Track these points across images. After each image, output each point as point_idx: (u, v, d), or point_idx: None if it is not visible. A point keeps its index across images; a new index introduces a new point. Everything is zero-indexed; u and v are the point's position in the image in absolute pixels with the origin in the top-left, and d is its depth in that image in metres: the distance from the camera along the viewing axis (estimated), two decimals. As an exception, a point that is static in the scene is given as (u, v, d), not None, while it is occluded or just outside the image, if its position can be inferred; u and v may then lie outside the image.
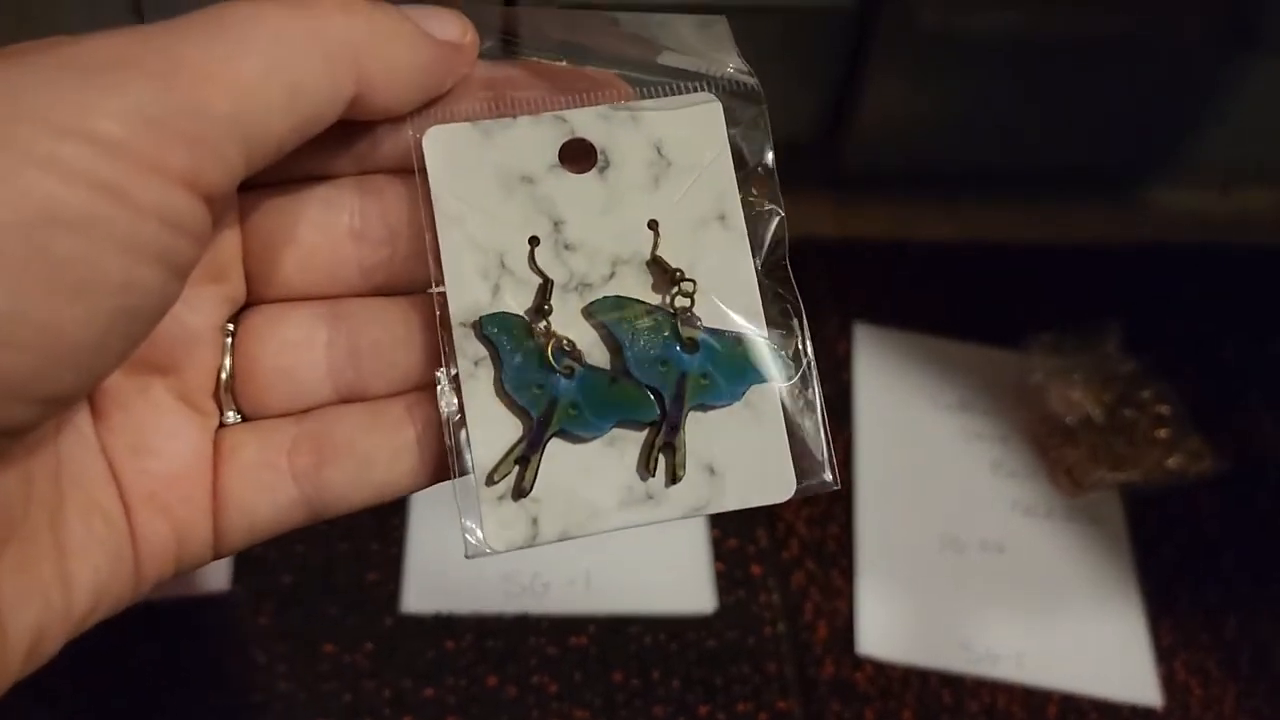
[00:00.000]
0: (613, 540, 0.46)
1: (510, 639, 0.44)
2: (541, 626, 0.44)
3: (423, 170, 0.21)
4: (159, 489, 0.20)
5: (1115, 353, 0.52)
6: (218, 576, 0.44)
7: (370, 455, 0.21)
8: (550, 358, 0.21)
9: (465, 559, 0.21)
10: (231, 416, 0.22)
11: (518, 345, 0.21)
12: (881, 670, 0.44)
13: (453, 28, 0.21)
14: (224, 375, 0.22)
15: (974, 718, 0.44)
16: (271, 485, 0.21)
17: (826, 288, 0.54)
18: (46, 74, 0.16)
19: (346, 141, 0.21)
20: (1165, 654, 0.46)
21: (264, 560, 0.45)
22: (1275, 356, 0.55)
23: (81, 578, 0.19)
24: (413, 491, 0.22)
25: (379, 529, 0.46)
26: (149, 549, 0.20)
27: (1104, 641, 0.46)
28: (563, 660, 0.43)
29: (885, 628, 0.46)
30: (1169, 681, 0.45)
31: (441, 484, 0.22)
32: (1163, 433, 0.50)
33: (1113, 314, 0.53)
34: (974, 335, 0.54)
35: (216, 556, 0.21)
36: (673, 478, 0.21)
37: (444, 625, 0.44)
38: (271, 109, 0.18)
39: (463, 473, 0.21)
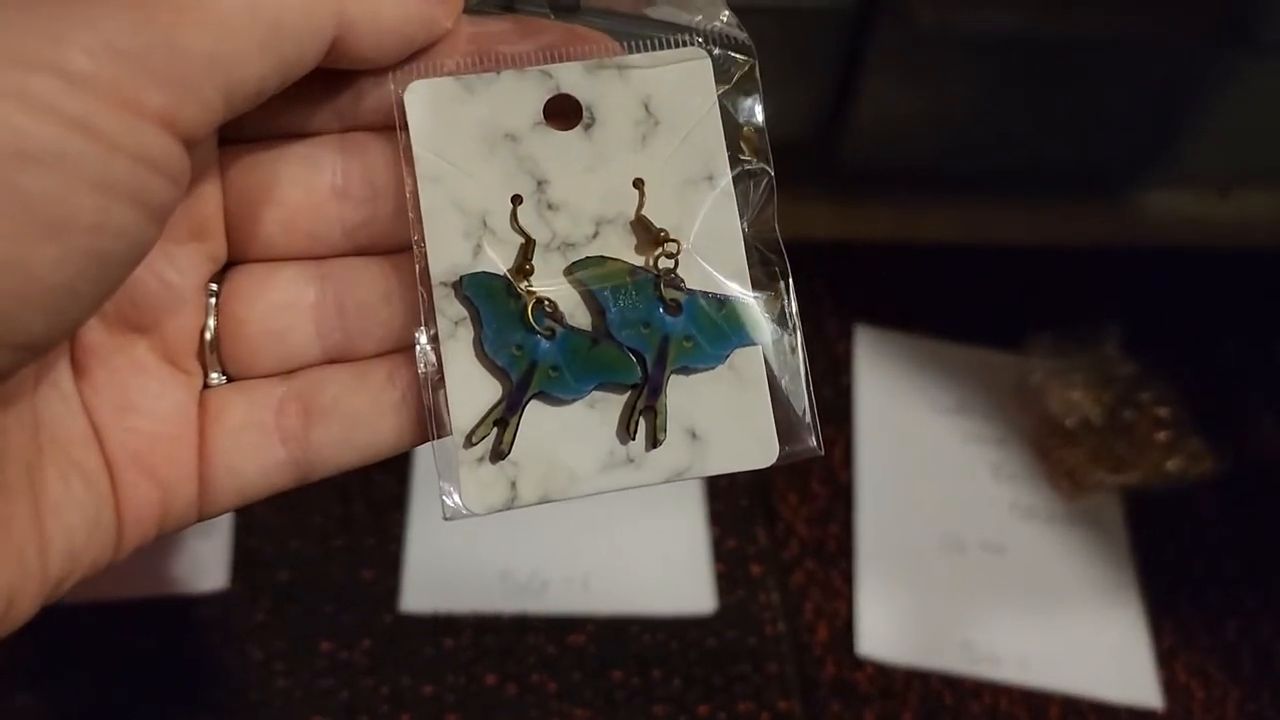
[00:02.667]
0: (612, 539, 0.46)
1: (509, 637, 0.43)
2: (541, 625, 0.44)
3: (404, 126, 0.21)
4: (144, 449, 0.20)
5: (1115, 355, 0.52)
6: (215, 574, 0.44)
7: (356, 416, 0.21)
8: (531, 318, 0.21)
9: (444, 520, 0.21)
10: (216, 378, 0.22)
11: (498, 306, 0.21)
12: (882, 671, 0.44)
13: None
14: (208, 335, 0.21)
15: (975, 719, 0.44)
16: (259, 446, 0.21)
17: (826, 289, 0.54)
18: (16, 6, 0.16)
19: (328, 96, 0.21)
20: (1166, 656, 0.46)
21: (261, 557, 0.45)
22: (1275, 358, 0.55)
23: (58, 539, 0.19)
24: (399, 452, 0.22)
25: (377, 526, 0.46)
26: (133, 511, 0.20)
27: (1104, 643, 0.46)
28: (562, 659, 0.43)
29: (885, 628, 0.45)
30: (1170, 683, 0.45)
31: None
32: (1163, 435, 0.50)
33: (1112, 316, 0.53)
34: (974, 337, 0.54)
35: (201, 518, 0.21)
36: (654, 441, 0.21)
37: (443, 623, 0.44)
38: (251, 47, 0.17)
39: (441, 434, 0.21)
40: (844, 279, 0.55)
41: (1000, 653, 0.45)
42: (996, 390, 0.52)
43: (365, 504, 0.46)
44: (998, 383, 0.53)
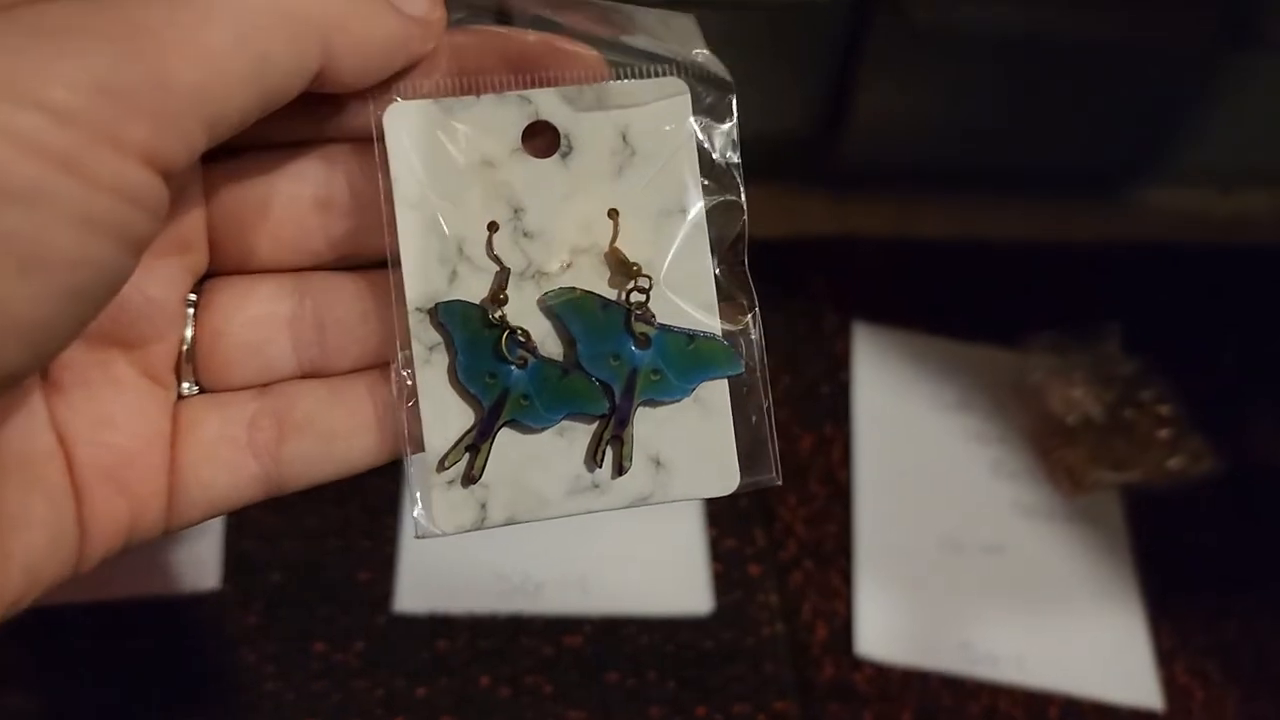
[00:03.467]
0: (608, 540, 0.46)
1: (504, 639, 0.43)
2: (536, 626, 0.43)
3: (383, 147, 0.21)
4: (116, 464, 0.20)
5: (1115, 353, 0.52)
6: (207, 575, 0.44)
7: (331, 431, 0.21)
8: (504, 348, 0.21)
9: (416, 538, 0.21)
10: (187, 388, 0.21)
11: (472, 334, 0.21)
12: (880, 671, 0.44)
13: (420, 2, 0.20)
14: (184, 347, 0.21)
15: (974, 720, 0.43)
16: (231, 460, 0.21)
17: (824, 286, 0.54)
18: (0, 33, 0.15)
19: (312, 111, 0.21)
20: (1166, 656, 0.46)
21: (254, 558, 0.44)
22: (1276, 357, 0.54)
23: (17, 556, 0.19)
24: (371, 467, 0.22)
25: (371, 527, 0.45)
26: (99, 525, 0.20)
27: (1104, 643, 0.46)
28: (558, 661, 0.43)
29: (884, 628, 0.45)
30: (1170, 684, 0.45)
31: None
32: (1163, 433, 0.50)
33: (1113, 314, 0.53)
34: (974, 335, 0.53)
35: (168, 531, 0.21)
36: (619, 469, 0.22)
37: (437, 625, 0.43)
38: (237, 80, 0.17)
39: (415, 451, 0.21)
40: (842, 276, 0.54)
41: (999, 653, 0.45)
42: (996, 388, 0.52)
43: (360, 506, 0.46)
44: (997, 381, 0.52)
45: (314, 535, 0.45)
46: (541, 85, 0.21)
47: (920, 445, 0.50)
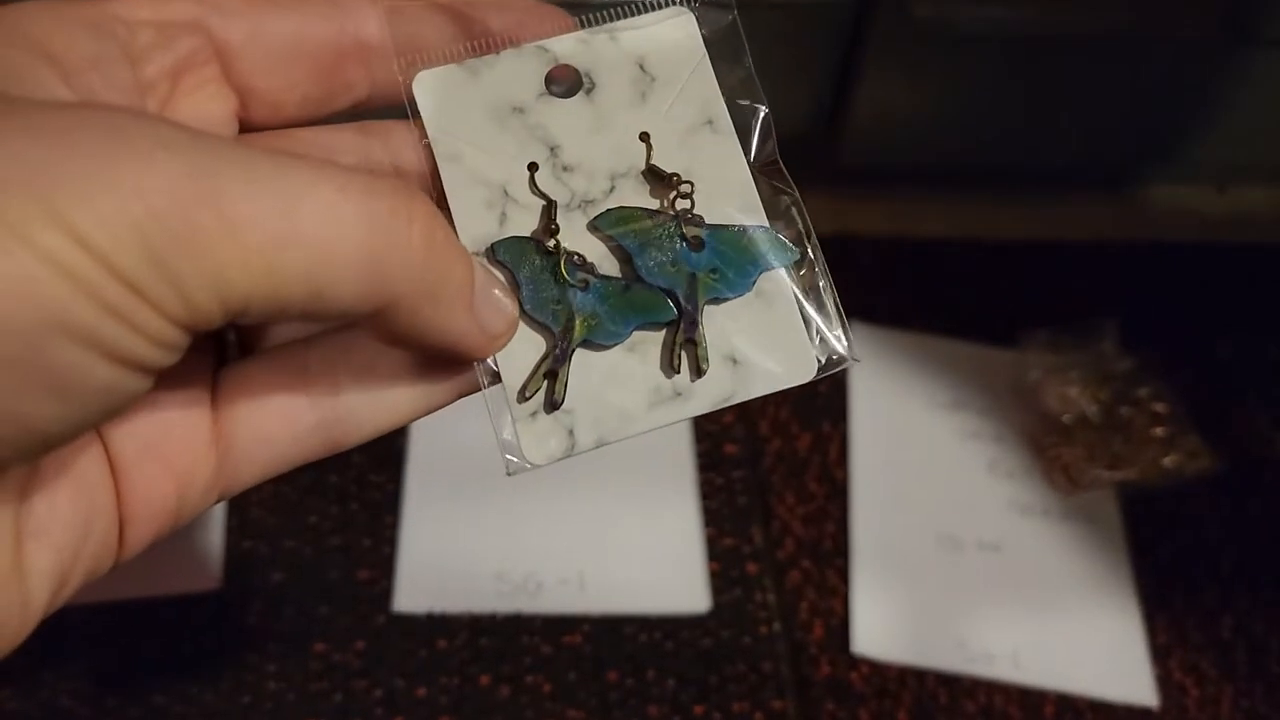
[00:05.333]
0: (607, 539, 0.46)
1: (503, 638, 0.43)
2: (535, 626, 0.44)
3: (416, 114, 0.22)
4: (157, 436, 0.20)
5: (1112, 351, 0.52)
6: (208, 574, 0.44)
7: (394, 374, 0.21)
8: (565, 273, 0.22)
9: (507, 475, 0.21)
10: (235, 350, 0.21)
11: (531, 266, 0.22)
12: (877, 670, 0.44)
13: (498, 323, 0.21)
14: None
15: (970, 718, 0.44)
16: (286, 413, 0.21)
17: (822, 285, 0.54)
18: (79, 154, 0.15)
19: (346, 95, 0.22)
20: (1161, 653, 0.46)
21: (254, 558, 0.44)
22: (1272, 355, 0.55)
23: (42, 562, 0.18)
24: (435, 410, 0.22)
25: (371, 526, 0.46)
26: (143, 508, 0.20)
27: (1100, 641, 0.46)
28: (557, 660, 0.43)
29: (881, 627, 0.45)
30: (1165, 681, 0.45)
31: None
32: (1159, 431, 0.50)
33: (1109, 312, 0.53)
34: (970, 333, 0.54)
35: (223, 497, 0.21)
36: (698, 371, 0.22)
37: (436, 624, 0.43)
38: (281, 305, 0.17)
39: (493, 383, 0.21)
40: (840, 274, 0.54)
41: (995, 650, 0.45)
42: (993, 387, 0.52)
43: (360, 505, 0.46)
44: (994, 379, 0.52)
45: (314, 535, 0.45)
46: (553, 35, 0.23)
47: (917, 444, 0.50)
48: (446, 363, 0.21)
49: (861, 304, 0.54)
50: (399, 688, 0.42)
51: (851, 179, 0.57)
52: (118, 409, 0.17)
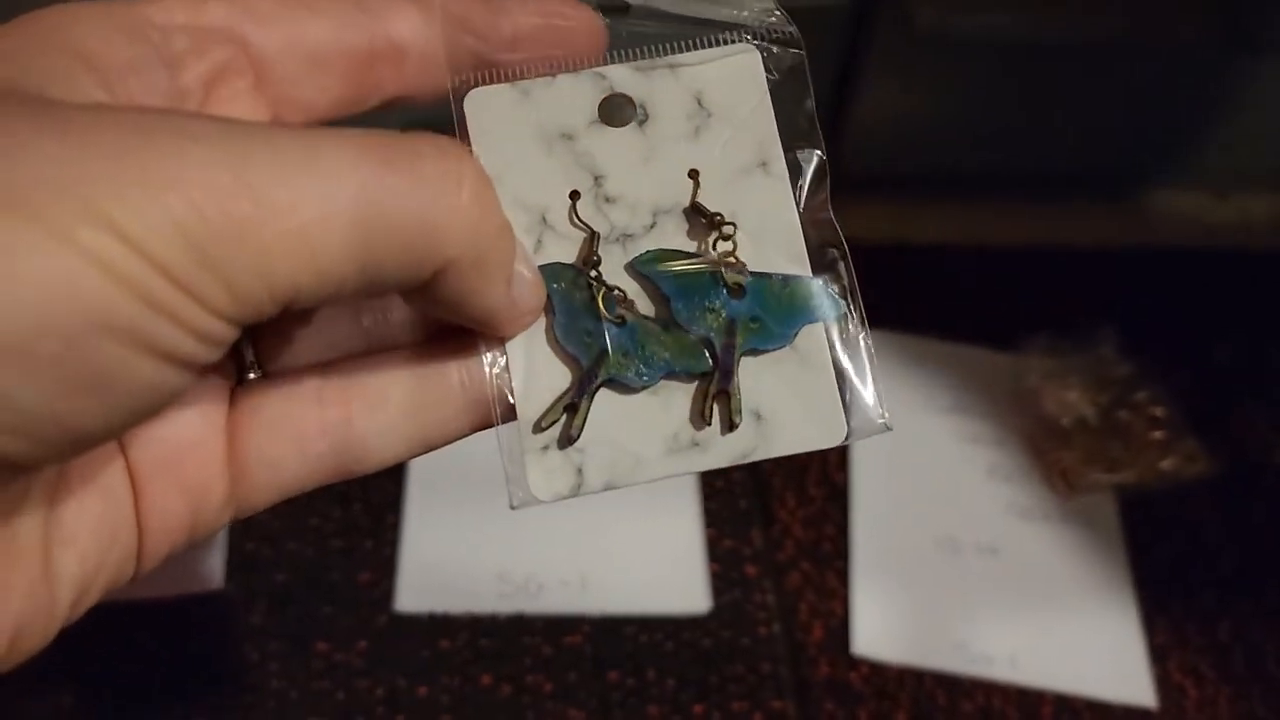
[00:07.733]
0: (608, 540, 0.46)
1: (505, 638, 0.44)
2: (536, 626, 0.44)
3: (464, 132, 0.21)
4: (171, 456, 0.19)
5: (1110, 355, 0.52)
6: (211, 574, 0.44)
7: (411, 405, 0.20)
8: (602, 306, 0.21)
9: (511, 509, 0.21)
10: (252, 374, 0.21)
11: (569, 294, 0.21)
12: (876, 670, 0.44)
13: (530, 300, 0.20)
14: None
15: (969, 718, 0.44)
16: (297, 440, 0.20)
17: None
18: (110, 152, 0.15)
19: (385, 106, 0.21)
20: (1159, 655, 0.46)
21: (257, 559, 0.44)
22: (1270, 359, 0.55)
23: (69, 568, 0.18)
24: (452, 441, 0.21)
25: (373, 527, 0.46)
26: (159, 522, 0.19)
27: (1098, 642, 0.46)
28: (557, 660, 0.43)
29: (880, 628, 0.45)
30: (1163, 682, 0.45)
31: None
32: (1157, 435, 0.50)
33: (1108, 316, 0.53)
34: (969, 337, 0.54)
35: (237, 517, 0.21)
36: (730, 425, 0.21)
37: (438, 624, 0.44)
38: (333, 287, 0.17)
39: (508, 419, 0.21)
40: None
41: (994, 652, 0.45)
42: (992, 390, 0.52)
43: (363, 506, 0.46)
44: (993, 383, 0.53)
45: (316, 536, 0.45)
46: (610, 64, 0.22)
47: (916, 447, 0.51)
48: (460, 397, 0.21)
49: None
50: (401, 687, 0.42)
51: (852, 184, 0.57)
52: (158, 407, 0.17)
